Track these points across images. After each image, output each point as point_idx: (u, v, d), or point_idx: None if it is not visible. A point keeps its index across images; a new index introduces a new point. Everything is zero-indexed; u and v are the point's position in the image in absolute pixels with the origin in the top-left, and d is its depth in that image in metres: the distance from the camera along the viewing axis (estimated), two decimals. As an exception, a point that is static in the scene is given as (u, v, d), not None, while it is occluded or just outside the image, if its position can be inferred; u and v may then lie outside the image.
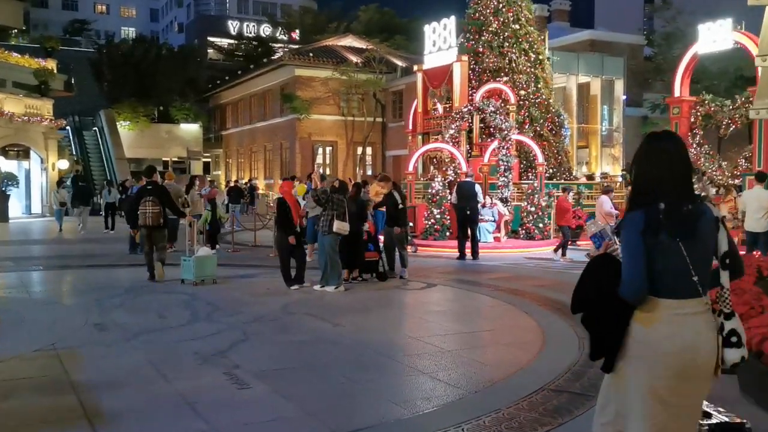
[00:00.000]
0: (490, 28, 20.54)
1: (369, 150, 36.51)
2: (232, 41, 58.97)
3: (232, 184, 30.16)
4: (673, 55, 35.27)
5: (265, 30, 60.59)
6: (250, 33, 61.61)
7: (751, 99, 16.14)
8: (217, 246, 15.16)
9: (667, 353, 2.56)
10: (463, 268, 13.22)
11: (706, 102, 17.07)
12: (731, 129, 16.98)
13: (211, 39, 61.25)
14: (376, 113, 35.31)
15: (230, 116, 44.69)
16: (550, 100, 20.98)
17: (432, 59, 20.59)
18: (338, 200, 10.21)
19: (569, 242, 14.59)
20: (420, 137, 21.50)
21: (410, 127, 24.52)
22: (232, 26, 64.75)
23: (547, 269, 13.18)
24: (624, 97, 32.51)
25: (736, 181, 16.89)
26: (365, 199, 12.17)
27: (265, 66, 38.48)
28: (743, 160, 16.58)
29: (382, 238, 12.23)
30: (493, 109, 17.77)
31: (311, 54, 35.12)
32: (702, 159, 17.14)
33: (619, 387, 2.73)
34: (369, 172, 36.04)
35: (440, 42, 20.15)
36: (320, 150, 35.89)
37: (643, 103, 35.29)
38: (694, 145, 17.26)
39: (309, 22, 54.69)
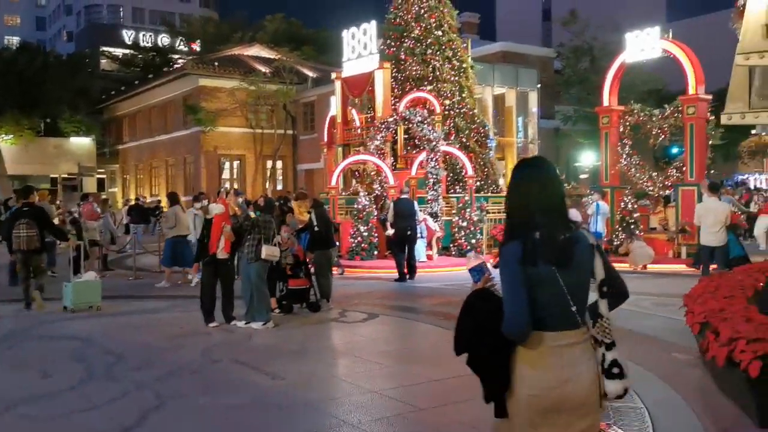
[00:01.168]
0: (412, 35, 19.48)
1: (279, 164, 34.80)
2: (127, 51, 55.54)
3: (132, 203, 27.57)
4: (581, 69, 35.79)
5: (163, 40, 57.59)
6: (147, 43, 58.37)
7: (680, 108, 15.79)
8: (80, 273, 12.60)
9: (544, 387, 2.47)
10: (401, 293, 11.93)
11: (635, 112, 16.61)
12: (660, 139, 16.57)
13: (104, 49, 57.54)
14: (286, 125, 33.68)
15: (127, 129, 41.73)
16: (475, 110, 20.14)
17: (352, 66, 19.29)
18: (265, 222, 8.69)
19: None
20: (339, 149, 20.13)
21: (325, 138, 23.10)
22: (127, 35, 61.19)
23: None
24: (535, 109, 32.52)
25: (668, 192, 16.51)
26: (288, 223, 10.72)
27: (166, 75, 36.04)
28: (674, 171, 16.18)
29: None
30: (420, 118, 16.67)
31: (216, 63, 33.12)
32: (633, 170, 16.64)
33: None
34: (279, 187, 34.36)
35: (360, 48, 18.90)
36: (227, 164, 33.87)
37: (555, 115, 35.45)
38: (624, 156, 16.77)
39: (211, 31, 52.27)
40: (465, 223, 16.19)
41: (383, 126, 17.23)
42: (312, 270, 10.26)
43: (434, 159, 16.44)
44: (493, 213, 17.22)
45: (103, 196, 25.52)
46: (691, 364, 6.56)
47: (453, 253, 16.22)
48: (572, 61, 35.29)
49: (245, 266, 8.64)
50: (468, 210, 16.24)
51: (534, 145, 31.52)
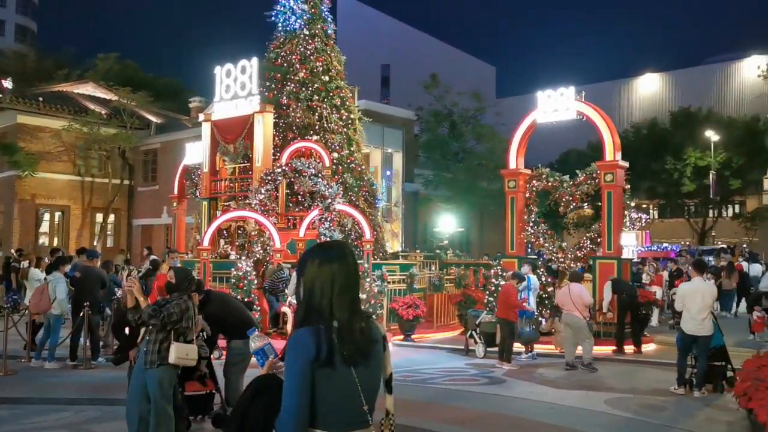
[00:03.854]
0: (296, 77, 17.19)
1: (112, 217, 30.33)
2: None
3: None
4: (440, 133, 35.48)
5: (-37, 73, 50.29)
6: (-58, 76, 50.58)
7: (595, 175, 14.85)
8: None
9: None
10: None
11: (544, 176, 15.47)
12: (571, 207, 15.46)
13: None
14: (123, 174, 29.57)
15: None
16: (363, 167, 18.11)
17: (225, 108, 16.50)
18: (181, 309, 5.64)
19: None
20: (205, 203, 17.09)
21: (175, 191, 19.93)
22: None
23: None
24: (389, 172, 31.42)
25: (580, 264, 15.32)
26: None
27: (-25, 108, 30.45)
28: (588, 241, 15.06)
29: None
30: (313, 170, 14.32)
31: (41, 99, 28.43)
32: (541, 239, 15.38)
33: None
34: (109, 244, 29.90)
35: (237, 88, 16.23)
36: (47, 216, 28.88)
37: (415, 179, 34.52)
38: (530, 224, 15.49)
39: (31, 66, 46.26)
40: (364, 296, 13.84)
41: (269, 178, 14.61)
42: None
43: (329, 219, 14.07)
44: (393, 283, 15.06)
45: None
46: None
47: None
48: (433, 125, 34.86)
49: (139, 372, 5.63)
50: (368, 280, 13.95)
51: (398, 208, 30.18)
